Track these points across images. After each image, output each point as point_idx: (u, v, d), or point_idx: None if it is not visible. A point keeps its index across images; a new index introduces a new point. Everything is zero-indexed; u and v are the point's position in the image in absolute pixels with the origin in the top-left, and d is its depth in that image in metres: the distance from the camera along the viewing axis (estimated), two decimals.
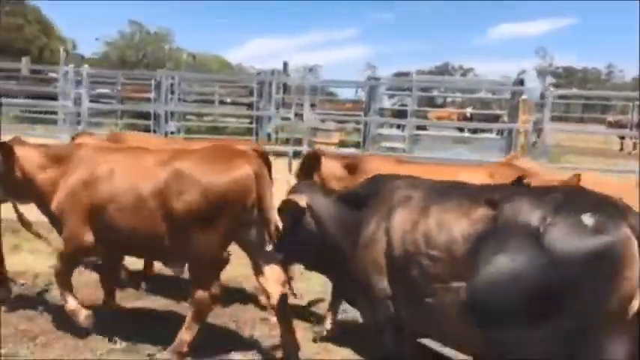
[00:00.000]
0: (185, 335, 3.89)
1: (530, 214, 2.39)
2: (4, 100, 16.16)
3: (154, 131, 14.02)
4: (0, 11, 51.48)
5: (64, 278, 4.31)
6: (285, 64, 19.64)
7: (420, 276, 2.73)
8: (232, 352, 4.08)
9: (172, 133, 14.05)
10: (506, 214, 2.48)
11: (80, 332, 4.25)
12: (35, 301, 4.94)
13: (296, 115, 15.23)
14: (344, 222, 3.30)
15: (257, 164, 3.85)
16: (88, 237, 4.09)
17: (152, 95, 15.20)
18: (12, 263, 5.36)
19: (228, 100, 21.03)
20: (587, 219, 2.28)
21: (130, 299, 5.04)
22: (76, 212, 4.07)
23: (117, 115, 15.92)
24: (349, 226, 3.23)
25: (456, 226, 2.64)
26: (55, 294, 5.16)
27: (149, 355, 4.05)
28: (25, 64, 18.81)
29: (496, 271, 2.42)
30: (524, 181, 3.00)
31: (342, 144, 15.21)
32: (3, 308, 4.54)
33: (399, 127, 16.00)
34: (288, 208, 3.58)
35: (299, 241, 3.54)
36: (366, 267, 3.04)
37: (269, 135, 14.51)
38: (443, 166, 5.65)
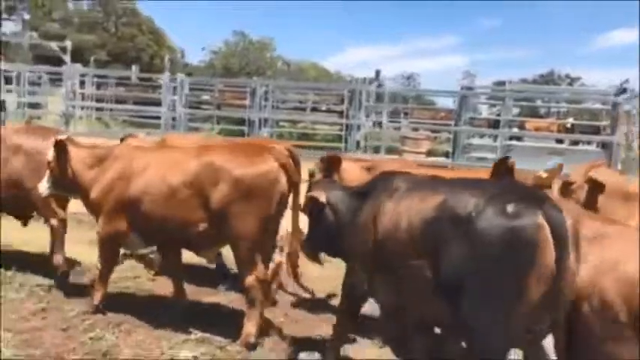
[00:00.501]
0: (249, 327, 4.19)
1: (468, 203, 2.89)
2: (114, 105, 17.51)
3: (249, 136, 14.59)
4: (117, 22, 55.38)
5: (104, 270, 4.77)
6: (378, 72, 19.66)
7: (391, 255, 3.24)
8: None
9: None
10: (450, 202, 2.97)
11: (160, 322, 4.61)
12: (122, 290, 5.39)
13: (376, 123, 15.27)
14: (353, 212, 3.70)
15: (284, 160, 4.24)
16: (123, 226, 4.52)
17: (247, 102, 15.79)
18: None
19: (322, 107, 21.42)
20: (510, 207, 2.75)
21: (205, 294, 5.36)
22: (113, 204, 4.52)
23: (213, 120, 16.69)
24: (355, 215, 3.66)
25: (415, 212, 3.13)
26: (139, 284, 5.60)
27: (220, 346, 4.32)
28: (134, 72, 20.16)
29: (440, 250, 2.92)
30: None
31: (431, 153, 15.07)
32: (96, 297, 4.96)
33: (495, 137, 15.63)
34: (310, 203, 3.97)
35: (320, 232, 3.94)
36: (358, 248, 3.56)
37: (358, 143, 14.63)
38: (460, 171, 5.95)
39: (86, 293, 4.98)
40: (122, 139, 5.23)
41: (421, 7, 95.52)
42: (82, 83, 17.77)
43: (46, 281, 5.43)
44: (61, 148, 4.91)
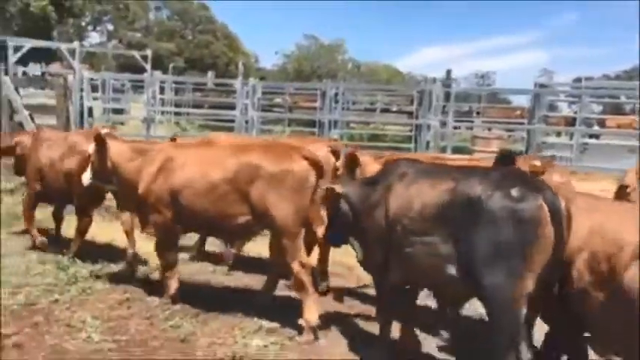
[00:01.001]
0: (308, 315, 4.47)
1: (477, 188, 3.37)
2: (191, 110, 18.26)
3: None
4: (194, 30, 57.36)
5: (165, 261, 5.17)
6: (449, 72, 19.60)
7: (403, 232, 3.68)
8: None
9: (335, 140, 14.75)
10: (461, 187, 3.44)
11: (234, 313, 4.89)
12: (199, 283, 5.73)
13: (446, 123, 15.11)
14: (365, 199, 4.09)
15: (314, 158, 4.65)
16: (168, 216, 4.90)
17: (318, 104, 16.07)
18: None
19: (393, 108, 21.45)
20: (514, 192, 3.27)
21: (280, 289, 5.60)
22: (158, 197, 4.91)
23: (284, 123, 17.08)
24: (367, 201, 4.05)
25: (427, 194, 3.58)
26: (214, 278, 5.91)
27: (290, 336, 4.55)
28: (210, 78, 20.93)
29: (457, 228, 3.42)
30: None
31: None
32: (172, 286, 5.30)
33: (571, 135, 15.15)
34: (328, 195, 4.33)
35: (339, 222, 4.31)
36: (371, 228, 3.96)
37: (428, 143, 14.59)
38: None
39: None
40: (172, 139, 5.59)
41: (495, 6, 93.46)
42: (162, 89, 18.67)
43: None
44: (101, 142, 5.33)
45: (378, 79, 58.27)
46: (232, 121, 14.46)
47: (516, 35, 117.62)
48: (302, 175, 4.57)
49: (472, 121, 19.97)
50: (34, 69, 22.65)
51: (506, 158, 4.48)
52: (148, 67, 14.37)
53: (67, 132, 7.38)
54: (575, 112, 16.15)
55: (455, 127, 18.76)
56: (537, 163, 4.50)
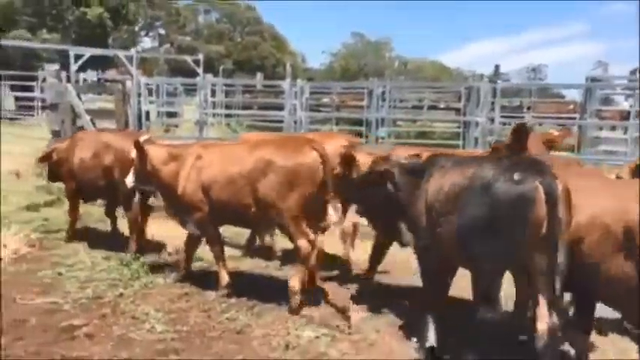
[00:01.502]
0: (293, 281, 5.10)
1: (488, 173, 3.79)
2: (241, 111, 18.66)
3: (366, 137, 14.99)
4: (242, 32, 58.29)
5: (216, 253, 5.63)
6: (497, 67, 19.26)
7: (435, 214, 4.12)
8: None
9: (382, 138, 14.84)
10: (477, 173, 3.87)
11: (287, 306, 5.12)
12: (254, 278, 5.99)
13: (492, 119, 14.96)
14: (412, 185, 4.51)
15: (323, 151, 5.15)
16: (205, 210, 5.40)
17: (365, 103, 16.19)
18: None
19: (440, 105, 21.31)
20: (516, 176, 3.67)
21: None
22: (193, 194, 5.39)
23: (332, 122, 17.27)
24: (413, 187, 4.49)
25: (452, 181, 4.02)
26: (268, 273, 6.15)
27: (337, 325, 4.76)
28: (258, 79, 21.34)
29: (468, 209, 3.83)
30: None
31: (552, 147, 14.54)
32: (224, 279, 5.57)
33: (625, 129, 14.77)
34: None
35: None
36: (416, 211, 4.37)
37: (476, 139, 14.50)
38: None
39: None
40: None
41: None
42: (213, 92, 19.18)
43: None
44: (140, 148, 5.75)
45: (425, 76, 57.80)
46: (281, 121, 14.77)
47: (569, 26, 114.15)
48: (311, 167, 5.05)
49: (523, 117, 19.66)
50: (92, 75, 23.61)
51: (519, 132, 4.79)
52: (200, 70, 14.79)
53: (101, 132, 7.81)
54: (631, 106, 15.75)
55: (505, 123, 18.59)
56: (555, 132, 4.85)
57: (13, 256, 6.49)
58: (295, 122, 13.45)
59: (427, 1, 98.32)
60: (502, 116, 18.74)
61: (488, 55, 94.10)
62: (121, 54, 11.03)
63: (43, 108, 10.91)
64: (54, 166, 7.40)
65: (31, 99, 20.25)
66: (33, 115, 19.59)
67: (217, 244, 5.60)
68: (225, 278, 5.48)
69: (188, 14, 56.65)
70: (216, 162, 5.36)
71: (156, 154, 5.74)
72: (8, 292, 5.40)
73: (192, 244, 5.90)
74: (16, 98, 23.45)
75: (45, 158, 7.45)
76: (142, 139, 5.88)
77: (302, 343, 4.52)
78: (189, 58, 15.50)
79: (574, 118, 14.95)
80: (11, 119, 19.52)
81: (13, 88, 23.65)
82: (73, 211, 7.36)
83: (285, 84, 13.19)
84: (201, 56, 15.14)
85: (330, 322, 4.87)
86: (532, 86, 21.83)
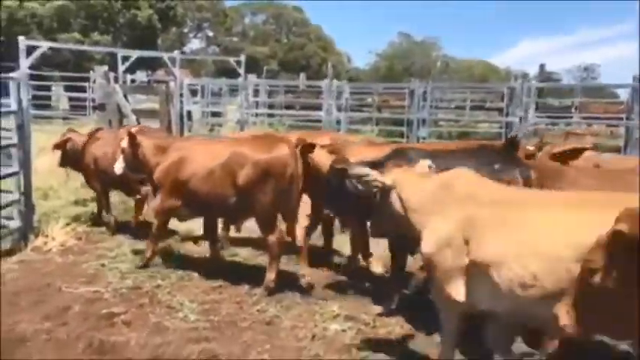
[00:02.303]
0: (270, 275, 5.51)
1: (473, 164, 4.09)
2: (283, 111, 18.96)
3: (407, 137, 15.01)
4: (288, 33, 58.83)
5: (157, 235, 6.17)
6: (542, 67, 18.99)
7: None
8: None
9: (424, 139, 14.82)
10: (463, 164, 4.03)
11: (315, 300, 5.27)
12: (283, 274, 6.16)
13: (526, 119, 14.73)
14: None
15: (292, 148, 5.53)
16: (175, 202, 5.91)
17: (406, 103, 16.21)
18: None
19: (486, 105, 21.08)
20: (495, 167, 4.41)
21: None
22: (167, 183, 5.87)
23: (372, 122, 17.35)
24: None
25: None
26: (298, 270, 6.28)
27: (365, 322, 4.87)
28: (301, 80, 21.58)
29: None
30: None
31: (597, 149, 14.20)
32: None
33: None
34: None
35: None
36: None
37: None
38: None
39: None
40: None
41: None
42: (257, 92, 19.53)
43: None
44: (133, 137, 6.23)
45: (473, 75, 56.99)
46: (320, 121, 14.95)
47: (621, 24, 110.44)
48: (282, 162, 5.41)
49: (571, 117, 19.28)
50: (141, 76, 24.36)
51: (511, 144, 5.16)
52: (242, 71, 15.13)
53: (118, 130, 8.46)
54: None
55: (553, 124, 18.25)
56: (530, 148, 5.21)
57: (60, 248, 6.86)
58: (338, 122, 13.59)
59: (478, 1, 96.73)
60: (549, 116, 18.53)
61: (539, 53, 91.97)
62: (165, 56, 11.38)
63: (94, 108, 11.41)
64: (69, 154, 8.07)
65: (84, 99, 21.02)
66: (85, 115, 20.33)
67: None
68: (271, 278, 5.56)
69: (235, 16, 57.54)
70: (196, 155, 5.81)
71: (145, 144, 6.22)
72: (55, 281, 5.74)
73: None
74: (70, 98, 24.43)
75: (59, 145, 8.11)
76: (133, 129, 6.42)
77: (328, 334, 4.65)
78: (231, 60, 15.84)
79: (621, 119, 14.55)
80: (64, 119, 20.35)
81: (67, 88, 24.63)
82: (102, 200, 7.98)
83: (323, 84, 13.35)
84: (243, 58, 15.45)
85: (356, 316, 4.99)
86: (570, 87, 21.29)
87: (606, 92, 35.56)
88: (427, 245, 3.49)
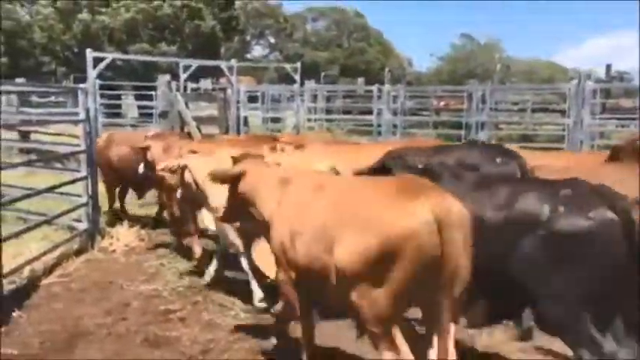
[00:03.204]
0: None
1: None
2: (341, 116, 19.14)
3: (464, 139, 14.85)
4: (349, 38, 59.06)
5: None
6: (609, 67, 18.26)
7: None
8: None
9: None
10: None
11: None
12: None
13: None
14: None
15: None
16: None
17: (464, 106, 16.03)
18: None
19: (550, 106, 20.53)
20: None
21: None
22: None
23: (430, 126, 17.24)
24: None
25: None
26: None
27: None
28: (359, 84, 21.72)
29: None
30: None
31: None
32: None
33: None
34: None
35: None
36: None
37: (581, 142, 13.88)
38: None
39: None
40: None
41: None
42: (315, 97, 19.80)
43: None
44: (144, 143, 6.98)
45: (539, 76, 55.35)
46: (379, 125, 15.02)
47: None
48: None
49: (634, 119, 18.49)
50: (206, 84, 25.12)
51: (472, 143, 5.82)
52: (297, 78, 15.43)
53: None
54: None
55: (623, 125, 17.58)
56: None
57: (124, 249, 7.28)
58: (380, 125, 13.56)
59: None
60: (617, 118, 17.85)
61: (609, 51, 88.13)
62: (223, 65, 11.77)
63: (159, 116, 11.97)
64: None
65: (151, 107, 21.90)
66: (151, 123, 21.17)
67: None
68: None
69: (297, 22, 58.29)
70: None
71: (154, 148, 6.82)
72: (117, 279, 6.11)
73: None
74: (138, 107, 25.49)
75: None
76: (149, 134, 7.19)
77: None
78: (288, 67, 16.15)
79: None
80: (132, 126, 21.27)
81: (136, 97, 25.71)
82: (111, 197, 8.71)
83: (375, 88, 13.44)
84: (299, 65, 15.74)
85: None
86: (620, 87, 20.34)
87: None
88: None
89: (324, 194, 3.44)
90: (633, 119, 18.05)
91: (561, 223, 3.09)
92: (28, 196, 6.71)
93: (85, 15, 29.28)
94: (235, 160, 4.36)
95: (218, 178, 4.23)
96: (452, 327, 3.06)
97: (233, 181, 4.14)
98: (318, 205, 3.38)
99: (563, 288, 3.07)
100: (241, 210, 4.17)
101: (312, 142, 6.95)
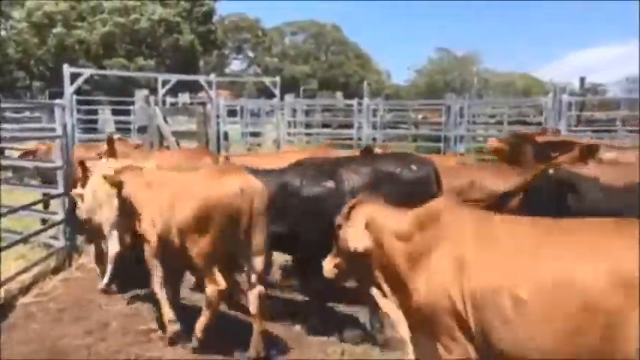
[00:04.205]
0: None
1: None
2: (318, 130, 19.16)
3: (444, 153, 14.95)
4: (327, 51, 59.40)
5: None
6: (582, 80, 18.62)
7: None
8: None
9: (462, 154, 14.73)
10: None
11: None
12: None
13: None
14: None
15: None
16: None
17: (443, 119, 16.17)
18: None
19: (527, 119, 20.76)
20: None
21: None
22: None
23: (408, 139, 17.32)
24: None
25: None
26: None
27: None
28: (338, 98, 21.81)
29: None
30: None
31: None
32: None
33: None
34: None
35: None
36: None
37: None
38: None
39: None
40: None
41: None
42: (295, 111, 19.82)
43: None
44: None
45: (515, 90, 56.17)
46: (359, 139, 15.06)
47: None
48: None
49: (616, 130, 18.84)
50: (184, 98, 24.98)
51: (367, 151, 6.15)
52: (277, 92, 15.45)
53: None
54: None
55: (597, 137, 17.82)
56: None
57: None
58: (360, 139, 13.62)
59: (519, 11, 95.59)
60: (593, 130, 18.15)
61: (589, 65, 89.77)
62: (202, 79, 11.73)
63: (138, 131, 11.87)
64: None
65: (129, 122, 21.72)
66: (130, 137, 20.98)
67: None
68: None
69: (275, 36, 58.50)
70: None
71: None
72: (96, 298, 5.99)
73: None
74: (115, 122, 25.26)
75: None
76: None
77: (357, 351, 4.73)
78: (267, 81, 16.16)
79: None
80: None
81: (113, 112, 25.48)
82: None
83: (355, 102, 13.51)
84: (278, 78, 15.76)
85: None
86: (594, 100, 20.93)
87: None
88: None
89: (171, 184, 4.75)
90: (608, 131, 18.44)
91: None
92: (2, 214, 6.55)
93: (59, 29, 28.98)
94: (117, 172, 5.22)
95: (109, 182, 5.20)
96: (257, 287, 4.43)
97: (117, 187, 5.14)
98: (164, 192, 4.66)
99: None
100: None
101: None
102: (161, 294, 4.92)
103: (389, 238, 3.06)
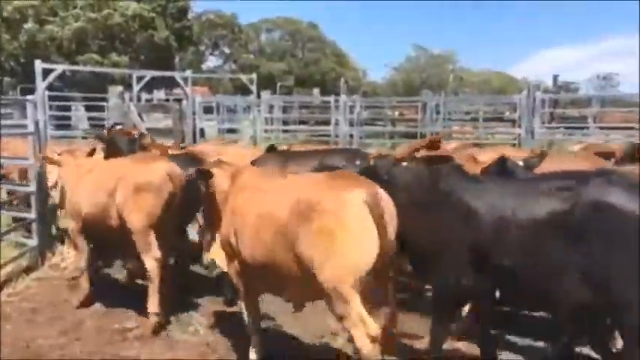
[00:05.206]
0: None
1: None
2: (297, 127, 19.13)
3: None
4: (304, 49, 59.26)
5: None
6: (555, 78, 18.89)
7: None
8: None
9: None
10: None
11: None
12: None
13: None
14: None
15: None
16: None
17: (419, 117, 16.29)
18: None
19: (501, 117, 21.02)
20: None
21: None
22: None
23: (385, 136, 17.42)
24: None
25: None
26: None
27: None
28: (315, 95, 21.79)
29: None
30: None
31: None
32: None
33: None
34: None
35: None
36: None
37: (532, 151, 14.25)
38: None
39: None
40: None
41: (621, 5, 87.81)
42: (271, 108, 19.74)
43: None
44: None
45: (491, 87, 56.76)
46: (336, 135, 15.06)
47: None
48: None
49: (588, 127, 19.17)
50: (160, 95, 24.74)
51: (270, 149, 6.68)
52: (254, 89, 15.38)
53: None
54: None
55: (570, 134, 18.10)
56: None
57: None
58: (351, 136, 13.65)
59: (497, 8, 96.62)
60: (565, 127, 18.44)
61: (562, 63, 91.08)
62: (177, 75, 11.61)
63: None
64: None
65: (102, 119, 21.45)
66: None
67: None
68: None
69: (251, 33, 58.14)
70: None
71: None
72: (70, 298, 5.89)
73: None
74: (89, 118, 24.89)
75: None
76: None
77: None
78: (243, 77, 16.08)
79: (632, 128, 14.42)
80: (84, 138, 20.72)
81: (87, 108, 25.11)
82: None
83: (332, 99, 13.53)
84: (254, 76, 15.70)
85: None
86: (567, 97, 21.39)
87: (631, 102, 34.97)
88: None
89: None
90: (580, 128, 18.77)
91: None
92: None
93: (30, 24, 28.43)
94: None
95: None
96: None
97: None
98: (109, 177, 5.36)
99: None
100: None
101: None
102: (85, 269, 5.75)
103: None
